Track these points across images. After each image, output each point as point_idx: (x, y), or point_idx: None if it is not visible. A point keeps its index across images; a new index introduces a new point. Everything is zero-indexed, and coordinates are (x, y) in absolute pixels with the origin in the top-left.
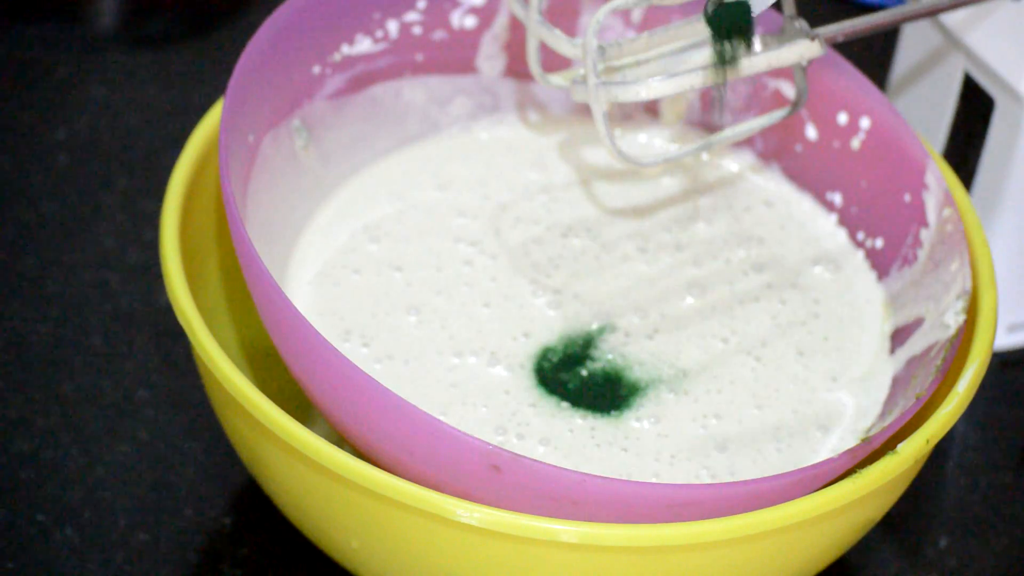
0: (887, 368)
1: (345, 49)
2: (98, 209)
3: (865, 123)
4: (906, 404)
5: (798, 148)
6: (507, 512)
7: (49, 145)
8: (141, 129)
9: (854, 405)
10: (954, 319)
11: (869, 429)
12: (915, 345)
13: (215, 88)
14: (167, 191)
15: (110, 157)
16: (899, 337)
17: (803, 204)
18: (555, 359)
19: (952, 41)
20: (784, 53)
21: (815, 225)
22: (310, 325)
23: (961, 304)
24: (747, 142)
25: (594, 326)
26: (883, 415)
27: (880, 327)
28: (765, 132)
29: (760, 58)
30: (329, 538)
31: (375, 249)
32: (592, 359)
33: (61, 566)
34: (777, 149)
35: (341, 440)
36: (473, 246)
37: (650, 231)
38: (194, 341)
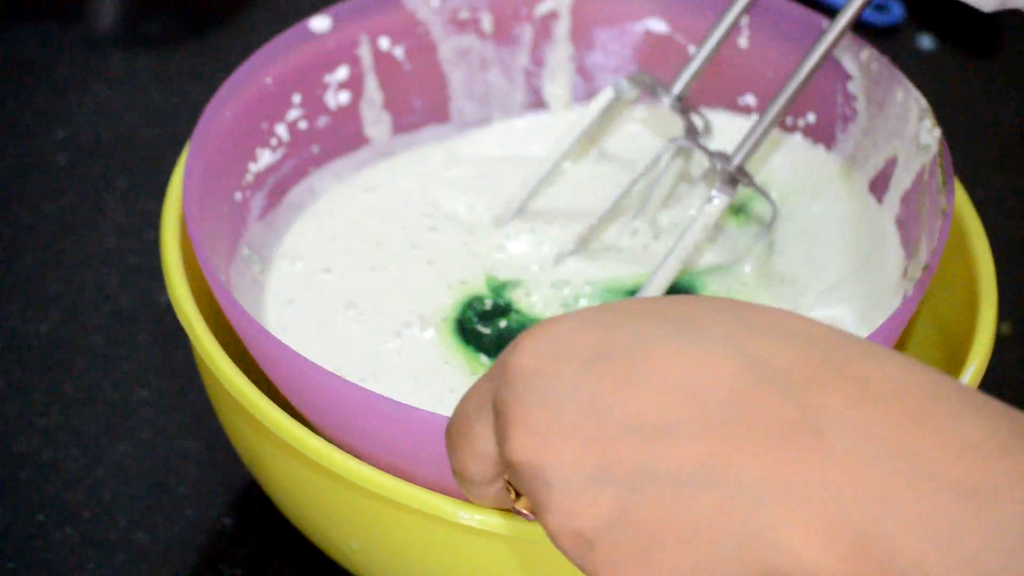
0: (883, 225)
1: (252, 167)
2: (98, 209)
3: (744, 19)
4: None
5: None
6: (508, 514)
7: (49, 145)
8: (141, 129)
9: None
10: (929, 136)
11: None
12: (902, 181)
13: (215, 88)
14: (168, 191)
15: (110, 157)
16: (879, 185)
17: (719, 119)
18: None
19: None
20: (701, 223)
21: (736, 132)
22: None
23: (929, 122)
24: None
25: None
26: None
27: (847, 191)
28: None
29: (688, 239)
30: (329, 539)
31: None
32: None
33: (61, 566)
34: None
35: None
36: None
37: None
38: (195, 341)
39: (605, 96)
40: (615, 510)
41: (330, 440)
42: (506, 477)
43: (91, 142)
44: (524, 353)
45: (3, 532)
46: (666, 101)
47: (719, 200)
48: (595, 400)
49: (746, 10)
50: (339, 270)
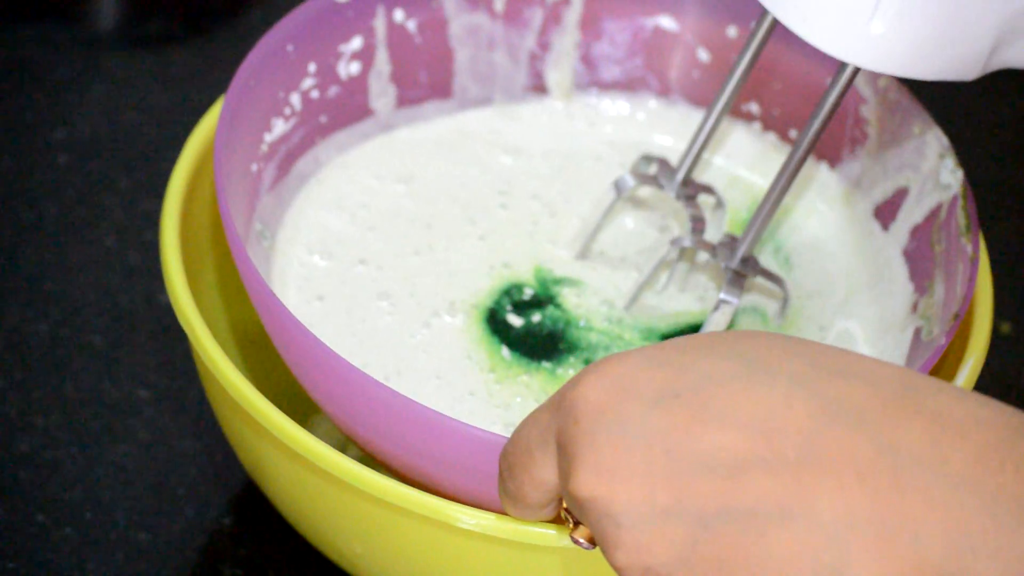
0: (889, 253)
1: (267, 138)
2: (98, 209)
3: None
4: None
5: (695, 75)
6: (510, 518)
7: (49, 145)
8: (141, 129)
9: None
10: (951, 176)
11: None
12: (913, 214)
13: (215, 88)
14: (167, 191)
15: (110, 157)
16: (886, 213)
17: (721, 125)
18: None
19: None
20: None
21: (740, 141)
22: (326, 345)
23: (951, 161)
24: (645, 85)
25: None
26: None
27: (849, 212)
28: (656, 71)
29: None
30: (331, 542)
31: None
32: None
33: (61, 566)
34: (680, 83)
35: (344, 443)
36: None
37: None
38: (195, 341)
39: (607, 199)
40: (686, 546)
41: (337, 423)
42: (565, 506)
43: (91, 142)
44: (589, 388)
45: (3, 532)
46: (671, 193)
47: (727, 306)
48: (665, 438)
49: (737, 91)
50: (374, 261)
